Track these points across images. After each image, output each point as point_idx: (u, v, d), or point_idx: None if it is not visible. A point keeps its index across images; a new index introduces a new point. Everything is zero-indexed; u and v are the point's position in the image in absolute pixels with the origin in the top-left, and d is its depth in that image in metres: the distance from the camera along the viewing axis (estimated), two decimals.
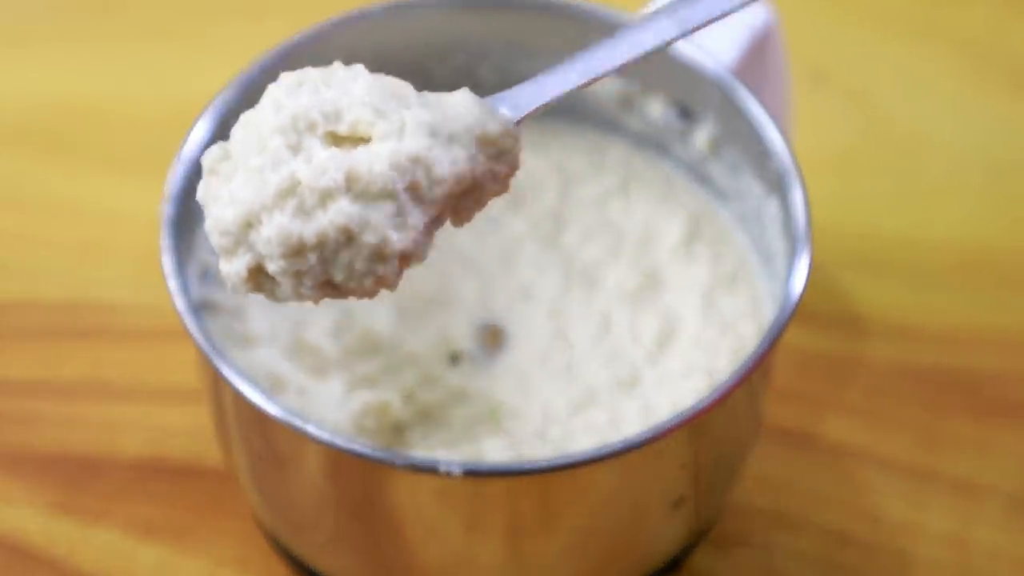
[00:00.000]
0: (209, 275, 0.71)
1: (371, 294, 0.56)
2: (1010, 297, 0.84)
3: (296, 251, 0.55)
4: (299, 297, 0.56)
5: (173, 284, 0.64)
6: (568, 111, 0.76)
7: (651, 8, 0.73)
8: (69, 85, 0.93)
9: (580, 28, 0.72)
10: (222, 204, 0.56)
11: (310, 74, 0.57)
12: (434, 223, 0.57)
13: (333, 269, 0.56)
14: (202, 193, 0.57)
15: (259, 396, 0.61)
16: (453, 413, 0.69)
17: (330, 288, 0.56)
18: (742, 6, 0.59)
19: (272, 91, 0.58)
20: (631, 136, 0.76)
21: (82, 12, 0.97)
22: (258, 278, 0.57)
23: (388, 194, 0.55)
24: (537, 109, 0.59)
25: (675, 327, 0.71)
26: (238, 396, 0.62)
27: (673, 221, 0.73)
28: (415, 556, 0.66)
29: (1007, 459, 0.79)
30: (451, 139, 0.56)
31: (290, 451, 0.64)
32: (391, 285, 0.56)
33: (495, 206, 0.71)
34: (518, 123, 0.58)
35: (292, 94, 0.57)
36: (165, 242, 0.65)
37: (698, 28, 0.59)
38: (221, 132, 0.70)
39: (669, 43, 0.59)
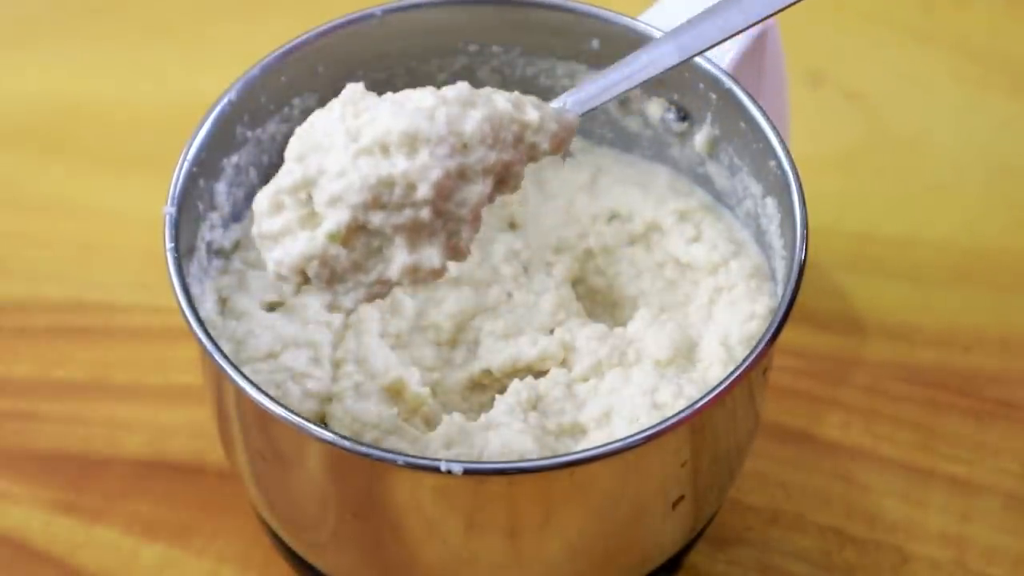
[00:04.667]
0: (209, 275, 0.71)
1: (438, 263, 0.60)
2: (1010, 297, 0.84)
3: (387, 184, 0.58)
4: (360, 287, 0.60)
5: (177, 284, 0.64)
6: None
7: (652, 9, 0.73)
8: (69, 85, 0.93)
9: (581, 30, 0.73)
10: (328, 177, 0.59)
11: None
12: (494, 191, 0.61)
13: (447, 203, 0.59)
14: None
15: (262, 395, 0.62)
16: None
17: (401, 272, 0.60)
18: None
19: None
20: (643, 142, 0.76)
21: (82, 12, 0.97)
22: (353, 239, 0.59)
23: (481, 143, 0.59)
24: (601, 105, 0.63)
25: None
26: (241, 394, 0.62)
27: (676, 219, 0.74)
28: (416, 554, 0.66)
29: (1005, 458, 0.79)
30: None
31: (292, 450, 0.64)
32: (465, 250, 0.60)
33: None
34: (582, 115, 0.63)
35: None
36: (168, 244, 0.65)
37: (740, 31, 0.63)
38: (223, 133, 0.70)
39: (712, 46, 0.63)
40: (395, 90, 0.73)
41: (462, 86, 0.60)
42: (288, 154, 0.60)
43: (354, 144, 0.59)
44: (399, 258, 0.59)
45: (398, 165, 0.58)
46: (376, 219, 0.59)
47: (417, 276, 0.60)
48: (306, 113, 0.73)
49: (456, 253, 0.60)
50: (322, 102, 0.73)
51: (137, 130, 0.91)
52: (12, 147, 0.91)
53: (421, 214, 0.59)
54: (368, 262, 0.60)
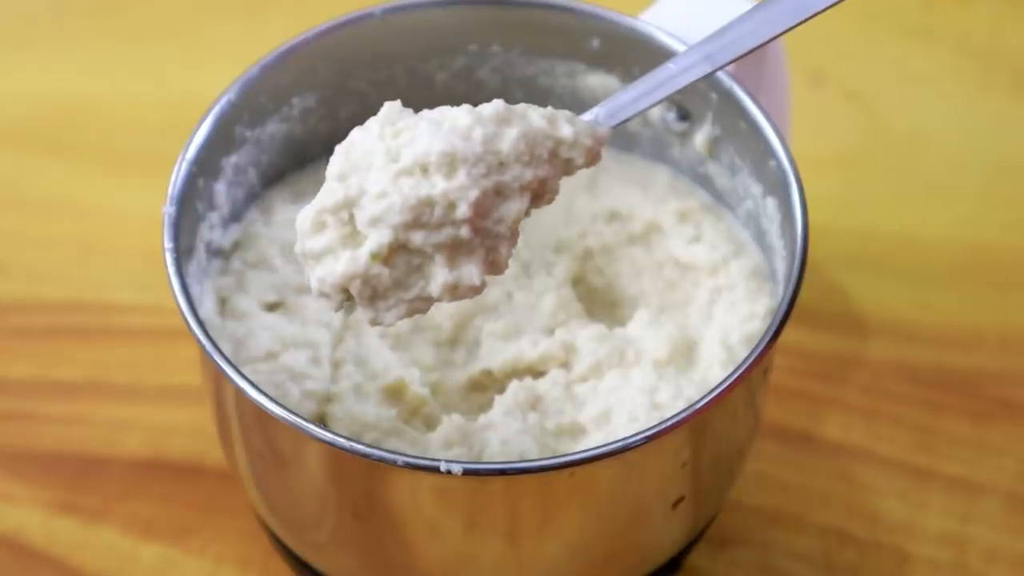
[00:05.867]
0: (209, 275, 0.71)
1: (478, 280, 0.60)
2: (1010, 297, 0.84)
3: (427, 203, 0.59)
4: (400, 304, 0.60)
5: (176, 284, 0.64)
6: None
7: (652, 8, 0.73)
8: (69, 85, 0.93)
9: (580, 29, 0.73)
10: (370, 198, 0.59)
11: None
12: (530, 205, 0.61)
13: (485, 221, 0.59)
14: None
15: (261, 395, 0.62)
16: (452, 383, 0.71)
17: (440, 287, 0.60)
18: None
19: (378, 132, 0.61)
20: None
21: (82, 12, 0.97)
22: (394, 258, 0.59)
23: (517, 160, 0.60)
24: (630, 118, 0.63)
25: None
26: (240, 395, 0.62)
27: (676, 219, 0.74)
28: (415, 555, 0.66)
29: (1005, 458, 0.79)
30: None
31: (291, 450, 0.64)
32: (503, 264, 0.60)
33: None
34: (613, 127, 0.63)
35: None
36: (168, 244, 0.65)
37: (775, 37, 0.63)
38: (222, 133, 0.70)
39: (741, 56, 0.63)
40: (395, 90, 0.74)
41: (498, 103, 0.60)
42: (329, 172, 0.60)
43: (394, 164, 0.59)
44: (440, 275, 0.60)
45: (438, 186, 0.59)
46: (417, 238, 0.59)
47: (457, 292, 0.60)
48: (305, 113, 0.73)
49: (495, 268, 0.61)
50: (322, 102, 0.73)
51: (137, 130, 0.91)
52: (12, 147, 0.91)
53: (461, 232, 0.59)
54: (409, 280, 0.60)
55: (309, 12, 0.77)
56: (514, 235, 0.60)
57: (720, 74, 0.70)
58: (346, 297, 0.60)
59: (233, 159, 0.71)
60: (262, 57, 0.71)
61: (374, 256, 0.59)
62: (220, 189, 0.71)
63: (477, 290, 0.60)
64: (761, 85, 0.74)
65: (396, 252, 0.59)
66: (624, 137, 0.76)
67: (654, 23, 0.71)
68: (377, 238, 0.59)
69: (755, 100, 0.70)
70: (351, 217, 0.60)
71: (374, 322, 0.61)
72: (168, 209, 0.66)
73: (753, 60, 0.73)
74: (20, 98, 0.93)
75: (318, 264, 0.60)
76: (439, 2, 0.73)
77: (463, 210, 0.59)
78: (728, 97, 0.70)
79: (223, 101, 0.70)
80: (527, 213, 0.61)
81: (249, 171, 0.72)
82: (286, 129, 0.73)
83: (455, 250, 0.59)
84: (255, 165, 0.73)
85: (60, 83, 0.93)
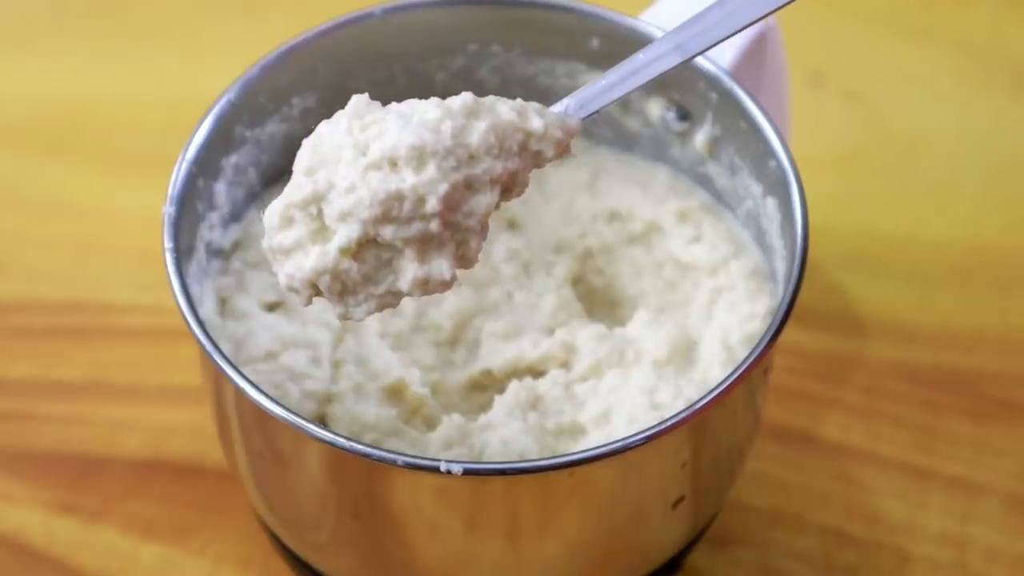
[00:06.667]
0: (209, 275, 0.71)
1: (448, 274, 0.59)
2: (1009, 297, 0.84)
3: (396, 198, 0.58)
4: (371, 299, 0.60)
5: (176, 284, 0.64)
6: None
7: (653, 8, 0.73)
8: (69, 85, 0.93)
9: (580, 29, 0.73)
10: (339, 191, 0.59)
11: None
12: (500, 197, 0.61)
13: (455, 215, 0.59)
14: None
15: (261, 395, 0.62)
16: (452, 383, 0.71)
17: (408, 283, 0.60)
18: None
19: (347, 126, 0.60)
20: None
21: (82, 12, 0.97)
22: (363, 252, 0.59)
23: (487, 153, 0.59)
24: (600, 109, 0.62)
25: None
26: (240, 395, 0.62)
27: (676, 219, 0.74)
28: (415, 555, 0.66)
29: (1005, 458, 0.79)
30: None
31: (291, 450, 0.64)
32: (474, 258, 0.60)
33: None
34: (584, 119, 0.62)
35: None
36: (168, 244, 0.65)
37: (746, 26, 0.62)
38: (222, 133, 0.70)
39: (713, 45, 0.62)
40: (395, 90, 0.74)
41: (466, 96, 0.60)
42: (297, 166, 0.60)
43: (363, 158, 0.59)
44: (409, 270, 0.59)
45: (407, 180, 0.59)
46: (386, 233, 0.59)
47: (427, 287, 0.60)
48: (305, 113, 0.73)
49: (465, 262, 0.60)
50: (322, 102, 0.73)
51: (137, 130, 0.91)
52: (12, 147, 0.91)
53: (430, 226, 0.59)
54: (379, 274, 0.60)
55: (309, 12, 0.77)
56: (484, 228, 0.60)
57: (720, 74, 0.70)
58: (315, 292, 0.60)
59: (233, 159, 0.71)
60: (262, 57, 0.71)
61: (343, 251, 0.59)
62: (220, 189, 0.71)
63: (447, 284, 0.60)
64: (761, 85, 0.74)
65: (365, 247, 0.59)
66: (624, 137, 0.76)
67: (654, 23, 0.71)
68: (346, 233, 0.59)
69: (755, 100, 0.70)
70: (319, 212, 0.59)
71: (343, 317, 0.60)
72: (168, 209, 0.66)
73: (752, 60, 0.73)
74: (20, 98, 0.93)
75: (287, 260, 0.60)
76: (439, 2, 0.73)
77: (433, 204, 0.59)
78: (728, 97, 0.70)
79: (223, 101, 0.70)
80: (497, 206, 0.60)
81: (249, 171, 0.72)
82: (286, 129, 0.73)
83: (425, 244, 0.59)
84: (255, 165, 0.73)
85: (60, 83, 0.93)
